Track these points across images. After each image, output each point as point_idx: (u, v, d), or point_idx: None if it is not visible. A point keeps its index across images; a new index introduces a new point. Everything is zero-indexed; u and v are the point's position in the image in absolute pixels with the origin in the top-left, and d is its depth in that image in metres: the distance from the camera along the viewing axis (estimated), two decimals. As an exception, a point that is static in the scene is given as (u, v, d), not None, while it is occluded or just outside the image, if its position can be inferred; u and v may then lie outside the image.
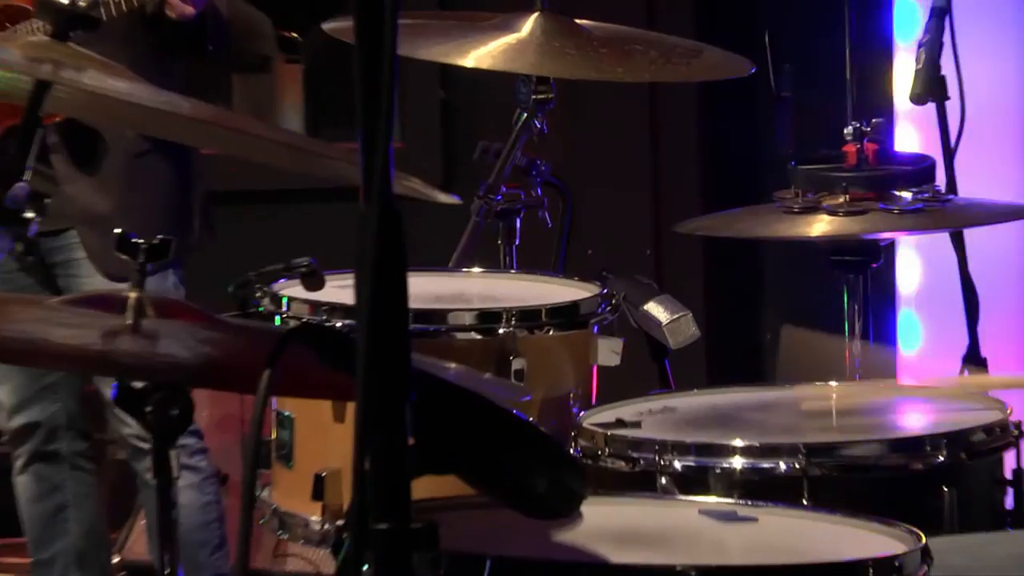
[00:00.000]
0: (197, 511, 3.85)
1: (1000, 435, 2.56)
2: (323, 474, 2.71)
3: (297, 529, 2.81)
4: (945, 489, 2.46)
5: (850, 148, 3.14)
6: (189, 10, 3.57)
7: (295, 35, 4.14)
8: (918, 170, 3.15)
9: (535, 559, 1.92)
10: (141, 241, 2.03)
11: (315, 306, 2.82)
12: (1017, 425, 2.59)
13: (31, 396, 3.85)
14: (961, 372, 3.42)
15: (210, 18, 3.64)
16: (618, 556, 1.94)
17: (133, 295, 1.99)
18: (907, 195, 3.06)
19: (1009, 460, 2.58)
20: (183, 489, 3.78)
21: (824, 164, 3.14)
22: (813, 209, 3.02)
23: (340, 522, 2.72)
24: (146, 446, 3.76)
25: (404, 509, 1.48)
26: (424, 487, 1.62)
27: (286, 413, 2.81)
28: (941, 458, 2.48)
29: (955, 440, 2.50)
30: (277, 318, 2.85)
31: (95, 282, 3.69)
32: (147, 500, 3.90)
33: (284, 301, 2.85)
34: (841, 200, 3.02)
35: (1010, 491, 2.58)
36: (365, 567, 1.51)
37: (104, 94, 1.62)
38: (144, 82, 1.72)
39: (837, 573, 1.94)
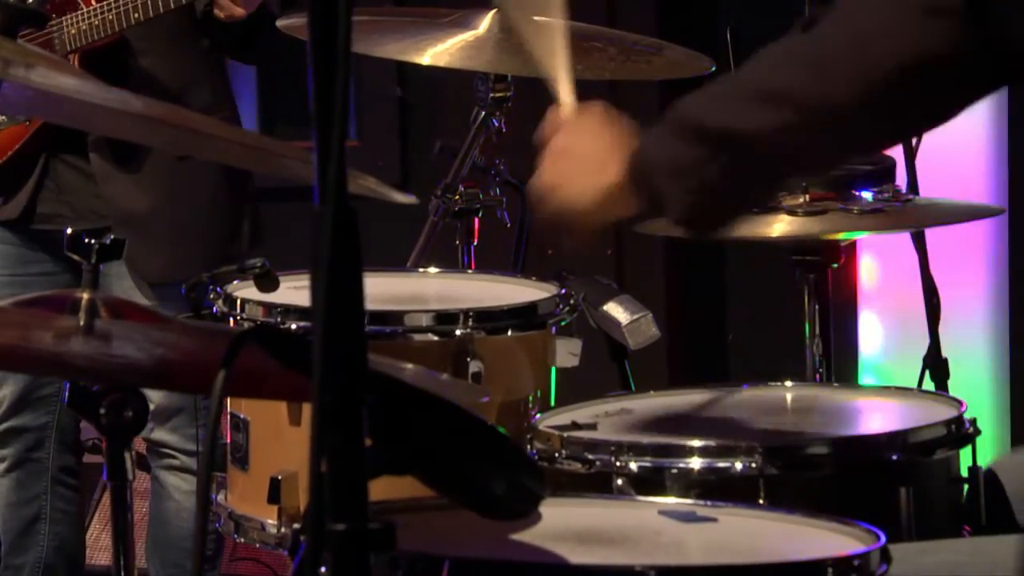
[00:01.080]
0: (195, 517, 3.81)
1: (956, 433, 2.56)
2: (279, 477, 2.69)
3: (253, 532, 2.79)
4: (902, 488, 2.46)
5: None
6: (239, 11, 3.46)
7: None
8: (878, 170, 3.15)
9: (493, 560, 1.91)
10: (93, 241, 2.01)
11: (269, 308, 2.80)
12: (972, 422, 2.59)
13: (26, 402, 3.81)
14: (922, 373, 3.43)
15: (262, 19, 3.52)
16: (577, 556, 1.93)
17: (86, 296, 1.96)
18: (867, 195, 3.06)
19: (965, 457, 2.58)
20: (189, 494, 3.75)
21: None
22: (773, 209, 3.01)
23: (297, 525, 2.70)
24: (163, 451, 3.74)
25: (361, 510, 1.47)
26: (382, 489, 1.60)
27: (241, 416, 2.79)
28: (897, 456, 2.48)
29: (911, 438, 2.50)
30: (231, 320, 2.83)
31: (124, 286, 3.62)
32: (154, 507, 3.85)
33: (238, 303, 2.83)
34: (801, 200, 3.02)
35: (966, 488, 2.58)
36: (322, 568, 1.49)
37: (53, 92, 1.60)
38: (94, 80, 1.70)
39: (797, 573, 1.93)
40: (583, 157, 2.11)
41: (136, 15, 3.46)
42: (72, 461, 3.89)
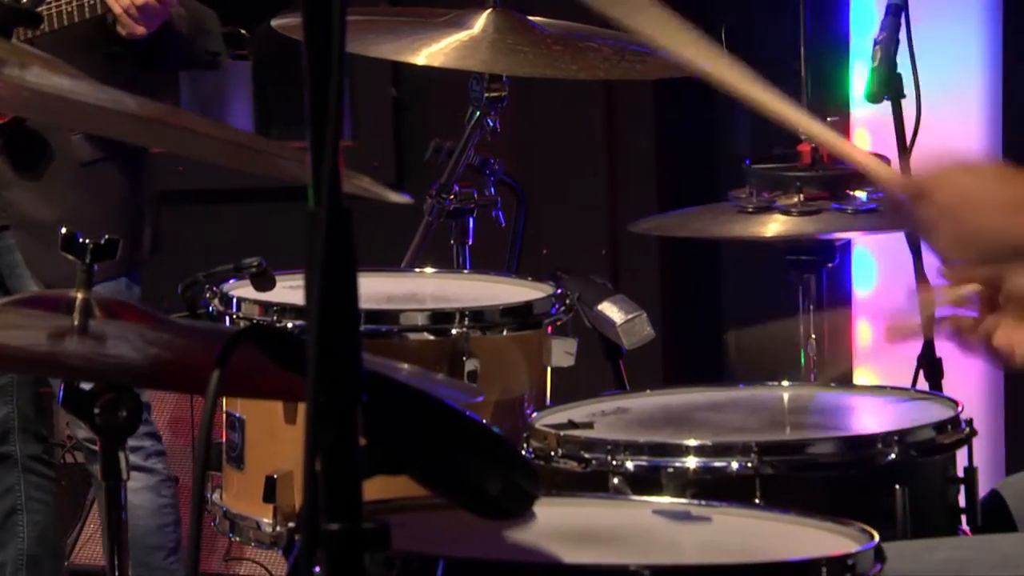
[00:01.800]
0: (153, 514, 3.82)
1: (952, 433, 2.56)
2: (274, 476, 2.69)
3: (248, 531, 2.79)
4: (897, 487, 2.46)
5: (804, 147, 3.13)
6: (140, 30, 3.55)
7: (241, 31, 4.11)
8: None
9: (488, 560, 1.91)
10: (87, 241, 2.01)
11: (265, 307, 2.80)
12: (969, 422, 2.59)
13: None
14: (916, 373, 3.43)
15: (164, 38, 3.62)
16: (572, 556, 1.93)
17: (80, 295, 1.97)
18: (862, 195, 3.06)
19: (961, 458, 2.58)
20: (139, 491, 3.76)
21: (780, 163, 3.14)
22: (767, 209, 3.01)
23: (292, 524, 2.70)
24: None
25: (355, 510, 1.47)
26: (376, 488, 1.60)
27: (237, 415, 2.79)
28: (893, 456, 2.48)
29: (907, 438, 2.50)
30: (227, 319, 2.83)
31: (30, 287, 3.66)
32: (101, 502, 3.87)
33: (234, 302, 2.83)
34: (795, 200, 3.02)
35: (962, 488, 2.58)
36: (316, 568, 1.49)
37: (48, 92, 1.60)
38: (89, 80, 1.70)
39: (790, 572, 1.93)
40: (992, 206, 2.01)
41: (51, 24, 3.51)
42: (40, 449, 3.89)
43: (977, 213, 1.97)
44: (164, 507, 3.85)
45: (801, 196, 3.01)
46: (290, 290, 2.84)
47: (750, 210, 3.02)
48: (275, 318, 2.78)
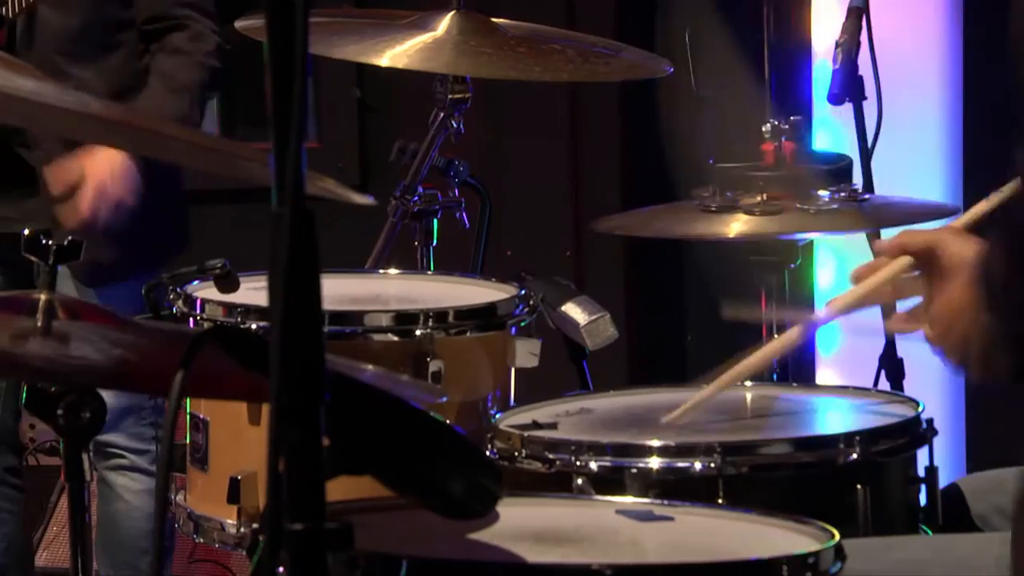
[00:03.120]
0: (150, 518, 3.80)
1: (913, 432, 2.58)
2: (238, 477, 2.69)
3: (213, 533, 2.79)
4: (859, 487, 2.47)
5: (768, 147, 3.14)
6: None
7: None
8: (835, 169, 3.17)
9: (451, 559, 1.92)
10: (50, 242, 2.01)
11: (229, 308, 2.80)
12: (929, 422, 2.61)
13: None
14: (877, 373, 3.45)
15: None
16: (535, 556, 1.94)
17: (43, 297, 1.96)
18: (824, 194, 3.07)
19: (922, 457, 2.59)
20: (140, 493, 3.75)
21: (744, 163, 3.14)
22: (730, 208, 3.02)
23: (256, 525, 2.70)
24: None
25: (319, 510, 1.47)
26: (340, 489, 1.61)
27: (201, 416, 2.79)
28: (855, 456, 2.49)
29: (868, 438, 2.51)
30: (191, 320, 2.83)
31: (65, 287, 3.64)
32: (103, 509, 3.85)
33: (198, 303, 2.83)
34: (758, 199, 3.03)
35: (923, 488, 2.59)
36: (280, 569, 1.50)
37: (11, 94, 1.60)
38: (53, 82, 1.70)
39: (752, 571, 1.95)
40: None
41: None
42: (15, 461, 3.87)
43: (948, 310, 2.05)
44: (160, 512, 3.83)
45: (763, 196, 3.02)
46: (254, 291, 2.85)
47: (713, 209, 3.03)
48: (239, 319, 2.78)
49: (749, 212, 3.01)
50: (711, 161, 3.14)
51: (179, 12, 3.64)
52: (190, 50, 3.63)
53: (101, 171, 3.50)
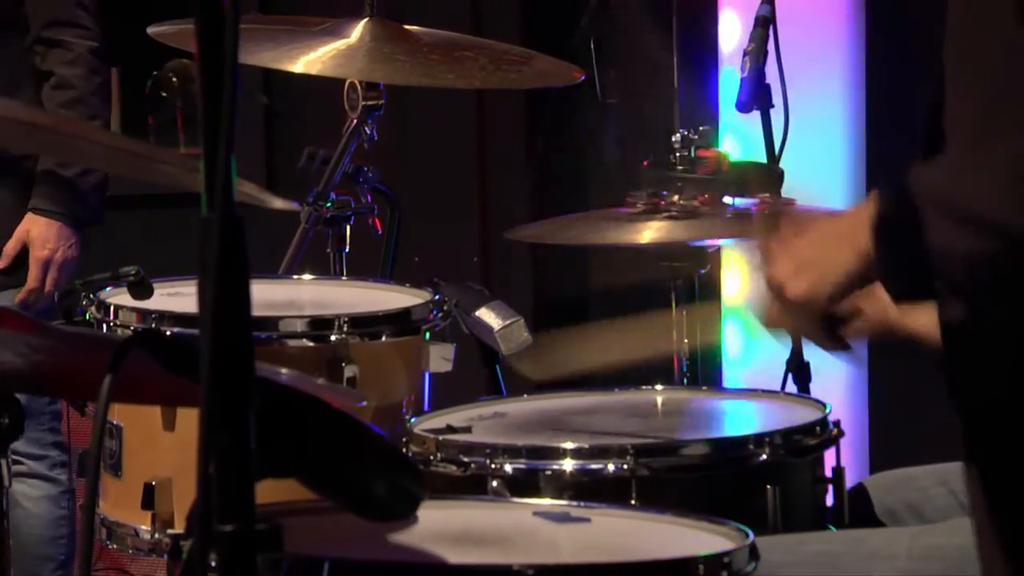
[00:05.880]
0: (49, 525, 3.78)
1: (821, 434, 2.62)
2: (153, 483, 2.70)
3: (127, 539, 2.79)
4: (769, 487, 2.51)
5: (706, 152, 3.13)
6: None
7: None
8: (770, 176, 3.20)
9: (373, 560, 1.94)
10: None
11: (143, 314, 2.80)
12: (836, 424, 2.65)
13: None
14: (785, 376, 3.50)
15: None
16: (456, 557, 1.96)
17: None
18: (735, 201, 3.10)
19: (829, 458, 2.64)
20: (39, 500, 3.72)
21: (672, 167, 3.16)
22: (650, 212, 3.04)
23: (171, 531, 2.71)
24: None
25: (248, 511, 1.49)
26: (264, 492, 1.62)
27: (115, 422, 2.79)
28: (764, 457, 2.53)
29: (778, 439, 2.55)
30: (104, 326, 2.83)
31: None
32: None
33: (111, 310, 2.83)
34: (688, 203, 3.04)
35: (830, 488, 2.64)
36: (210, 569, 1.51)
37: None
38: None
39: (669, 570, 1.97)
40: (822, 238, 2.02)
41: None
42: None
43: (807, 245, 2.01)
44: (61, 519, 3.81)
45: (678, 201, 3.04)
46: (168, 297, 2.85)
47: (640, 210, 3.04)
48: (153, 326, 2.78)
49: (673, 217, 3.02)
50: (645, 164, 3.14)
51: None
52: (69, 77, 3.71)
53: (42, 240, 3.57)
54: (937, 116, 1.84)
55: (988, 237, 1.77)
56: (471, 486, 2.48)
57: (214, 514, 1.49)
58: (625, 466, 2.46)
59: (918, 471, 2.70)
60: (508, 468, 2.48)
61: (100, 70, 3.76)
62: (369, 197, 3.49)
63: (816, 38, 4.51)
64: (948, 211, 1.79)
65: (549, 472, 2.48)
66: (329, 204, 3.39)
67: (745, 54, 3.39)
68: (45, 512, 3.78)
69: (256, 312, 2.88)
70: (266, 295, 3.00)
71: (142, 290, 2.80)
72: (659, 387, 2.88)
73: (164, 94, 5.19)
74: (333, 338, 2.75)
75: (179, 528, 2.68)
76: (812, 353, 3.52)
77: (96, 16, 3.79)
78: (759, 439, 2.55)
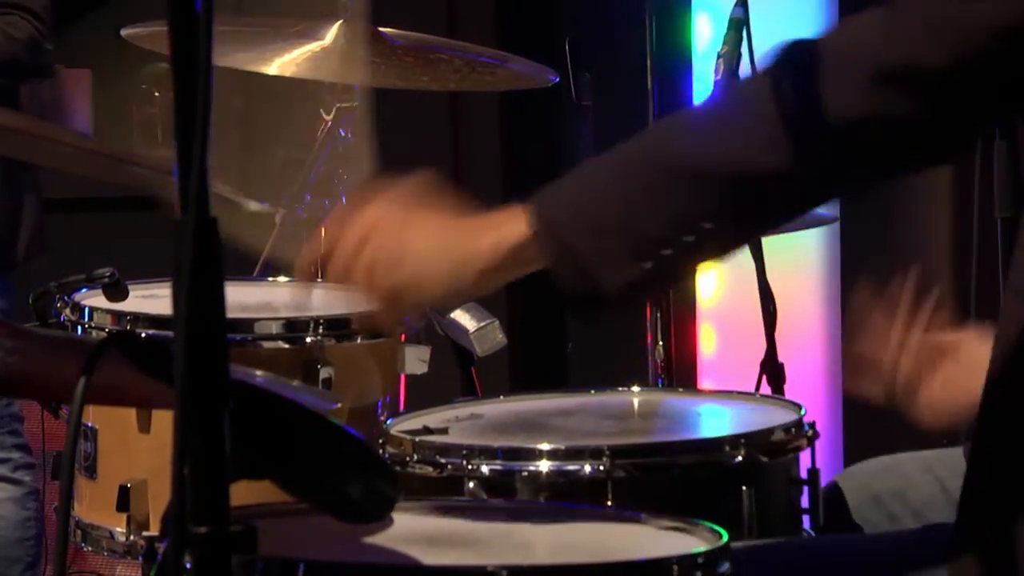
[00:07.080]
0: (15, 526, 3.78)
1: (796, 435, 2.63)
2: (128, 485, 2.70)
3: (101, 541, 2.79)
4: (744, 488, 2.52)
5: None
6: None
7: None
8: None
9: (348, 562, 1.94)
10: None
11: (118, 316, 2.80)
12: (811, 425, 2.66)
13: None
14: (759, 378, 3.51)
15: None
16: (431, 558, 1.96)
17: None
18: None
19: (804, 460, 2.65)
20: (3, 502, 3.72)
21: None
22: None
23: (146, 533, 2.71)
24: None
25: (223, 513, 1.49)
26: (238, 494, 1.62)
27: (89, 424, 2.79)
28: (740, 458, 2.54)
29: (753, 441, 2.56)
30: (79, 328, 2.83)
31: None
32: None
33: (86, 312, 2.82)
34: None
35: (805, 490, 2.65)
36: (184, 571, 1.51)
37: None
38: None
39: (643, 571, 1.98)
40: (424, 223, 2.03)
41: None
42: None
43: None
44: (28, 520, 3.81)
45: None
46: (143, 299, 2.85)
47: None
48: (128, 327, 2.78)
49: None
50: None
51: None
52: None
53: None
54: None
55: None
56: (448, 487, 2.48)
57: (189, 516, 1.49)
58: (601, 467, 2.47)
59: (903, 457, 2.71)
60: (485, 469, 2.48)
61: (33, 49, 3.76)
62: (345, 199, 3.50)
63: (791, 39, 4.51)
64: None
65: (525, 473, 2.48)
66: (304, 207, 3.39)
67: (719, 56, 3.40)
68: (10, 514, 3.78)
69: (231, 314, 2.90)
70: (241, 297, 3.00)
71: (117, 292, 2.80)
72: (636, 388, 2.89)
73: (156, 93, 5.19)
74: (308, 340, 2.75)
75: (154, 530, 2.68)
76: (786, 355, 3.54)
77: (52, 28, 3.79)
78: (735, 441, 2.55)
